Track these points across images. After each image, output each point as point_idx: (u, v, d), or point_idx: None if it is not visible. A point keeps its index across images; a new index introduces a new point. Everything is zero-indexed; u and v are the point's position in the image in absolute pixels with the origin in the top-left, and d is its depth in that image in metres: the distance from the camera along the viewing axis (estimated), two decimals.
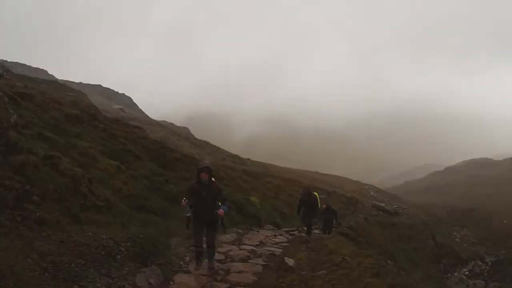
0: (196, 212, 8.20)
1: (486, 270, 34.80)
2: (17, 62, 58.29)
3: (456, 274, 33.80)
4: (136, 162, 15.65)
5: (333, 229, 19.10)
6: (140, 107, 68.60)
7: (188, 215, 8.34)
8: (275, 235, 14.76)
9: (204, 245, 8.42)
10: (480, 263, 36.18)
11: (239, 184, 20.87)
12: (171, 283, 7.69)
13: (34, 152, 9.67)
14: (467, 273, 34.28)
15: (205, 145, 27.08)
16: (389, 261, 17.90)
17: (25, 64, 59.40)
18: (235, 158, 29.23)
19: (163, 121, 47.95)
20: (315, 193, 15.82)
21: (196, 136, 34.03)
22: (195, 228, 8.32)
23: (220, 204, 8.30)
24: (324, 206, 19.26)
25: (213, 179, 8.38)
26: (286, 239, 14.04)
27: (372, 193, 51.27)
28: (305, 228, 15.60)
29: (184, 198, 8.27)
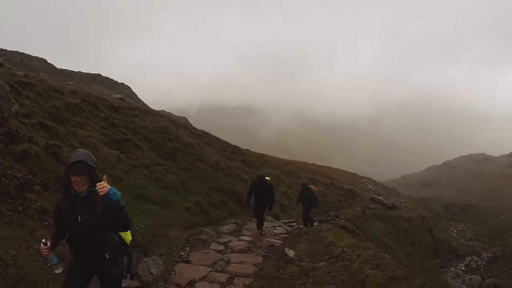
0: (72, 250, 4.33)
1: (482, 266, 34.94)
2: (16, 51, 58.04)
3: (452, 269, 33.92)
4: (136, 151, 15.65)
5: (314, 221, 16.18)
6: (140, 97, 68.51)
7: (57, 271, 4.31)
8: (274, 227, 14.83)
9: None
10: (477, 259, 36.33)
11: (238, 174, 20.87)
12: (172, 273, 7.74)
13: (35, 141, 9.68)
14: (463, 268, 34.40)
15: (204, 135, 27.00)
16: (386, 254, 17.97)
17: (24, 53, 59.07)
18: (235, 148, 29.20)
19: (162, 110, 47.78)
20: (267, 178, 13.02)
21: (211, 130, 33.87)
22: (69, 277, 4.31)
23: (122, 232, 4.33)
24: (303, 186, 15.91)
25: (104, 183, 3.85)
26: (285, 230, 14.10)
27: (370, 186, 51.25)
28: (256, 221, 13.35)
29: (44, 240, 4.17)
